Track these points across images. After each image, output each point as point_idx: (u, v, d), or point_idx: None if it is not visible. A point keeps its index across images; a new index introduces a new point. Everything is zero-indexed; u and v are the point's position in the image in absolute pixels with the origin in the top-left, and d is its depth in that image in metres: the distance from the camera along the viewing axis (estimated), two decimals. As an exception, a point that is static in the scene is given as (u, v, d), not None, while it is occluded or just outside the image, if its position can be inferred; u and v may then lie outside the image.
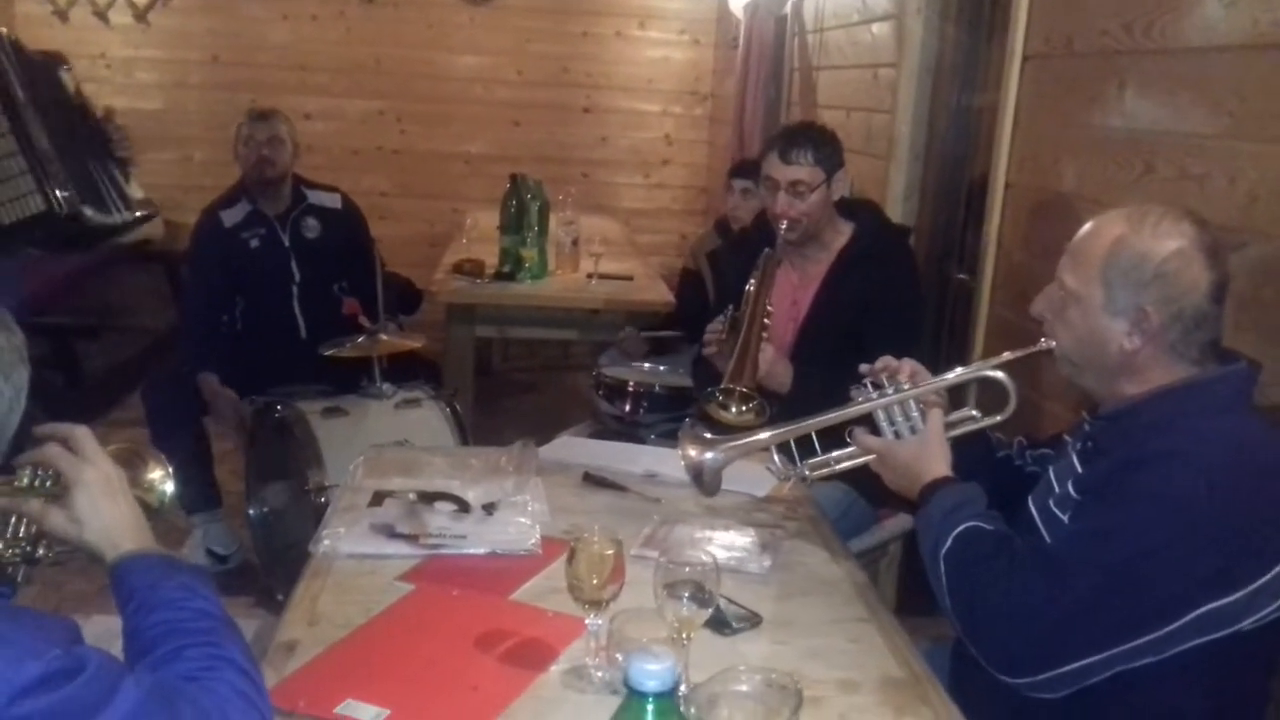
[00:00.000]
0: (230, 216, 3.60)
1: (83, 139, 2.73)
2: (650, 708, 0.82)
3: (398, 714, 1.34)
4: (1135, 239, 1.49)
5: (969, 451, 1.78)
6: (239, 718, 1.11)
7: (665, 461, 2.23)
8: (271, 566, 3.27)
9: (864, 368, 1.82)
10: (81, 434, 1.30)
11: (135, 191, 2.80)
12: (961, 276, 3.16)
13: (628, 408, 3.28)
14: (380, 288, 3.28)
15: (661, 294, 4.34)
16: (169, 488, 1.44)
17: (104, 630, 1.34)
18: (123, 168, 2.82)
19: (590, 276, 4.36)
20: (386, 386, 3.23)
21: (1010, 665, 1.45)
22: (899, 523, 2.75)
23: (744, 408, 2.22)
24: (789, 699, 1.06)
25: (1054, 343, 1.62)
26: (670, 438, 2.83)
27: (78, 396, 4.89)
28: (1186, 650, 1.41)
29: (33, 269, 5.00)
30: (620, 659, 1.27)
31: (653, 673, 0.82)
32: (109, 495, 1.27)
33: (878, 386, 1.79)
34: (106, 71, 6.07)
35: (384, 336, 3.22)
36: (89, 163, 2.70)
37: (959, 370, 1.80)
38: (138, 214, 2.79)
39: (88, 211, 2.56)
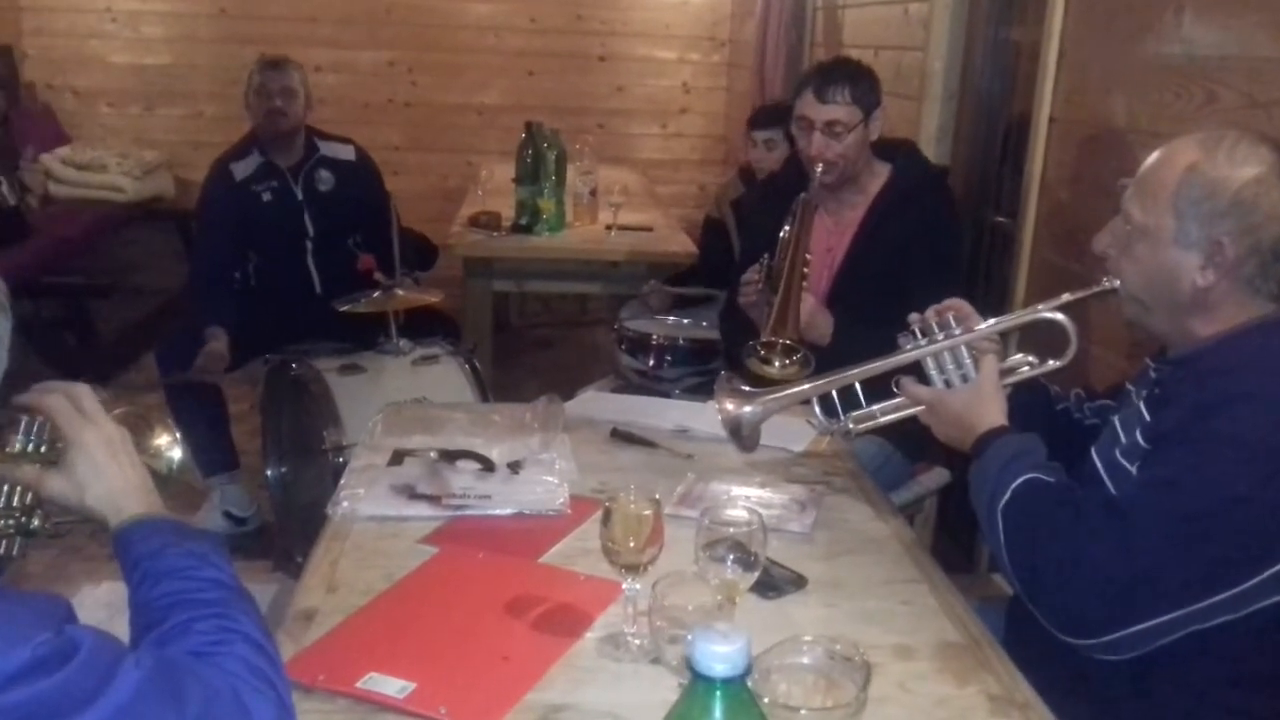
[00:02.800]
0: (241, 169, 3.49)
1: None
2: (719, 695, 0.72)
3: (424, 687, 1.25)
4: (1209, 166, 1.39)
5: (1026, 402, 1.68)
6: (252, 695, 1.01)
7: (696, 416, 2.14)
8: (290, 528, 3.21)
9: (913, 316, 1.71)
10: (81, 392, 1.21)
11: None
12: (1000, 220, 3.03)
13: (651, 362, 3.18)
14: (396, 242, 3.18)
15: (684, 245, 4.22)
16: (176, 454, 1.36)
17: (117, 597, 1.26)
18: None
19: (609, 228, 4.24)
20: (404, 343, 3.14)
21: (1076, 626, 1.36)
22: (935, 477, 2.68)
23: (788, 361, 2.11)
24: (855, 672, 0.97)
25: (1118, 282, 1.52)
26: (695, 392, 2.75)
27: (91, 357, 4.83)
28: (1264, 609, 1.32)
29: (45, 229, 4.94)
30: (662, 626, 1.18)
31: (722, 655, 0.71)
32: (112, 456, 1.18)
33: (925, 333, 1.68)
34: (113, 26, 5.96)
35: (400, 292, 3.13)
36: None
37: (1015, 313, 1.69)
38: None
39: None
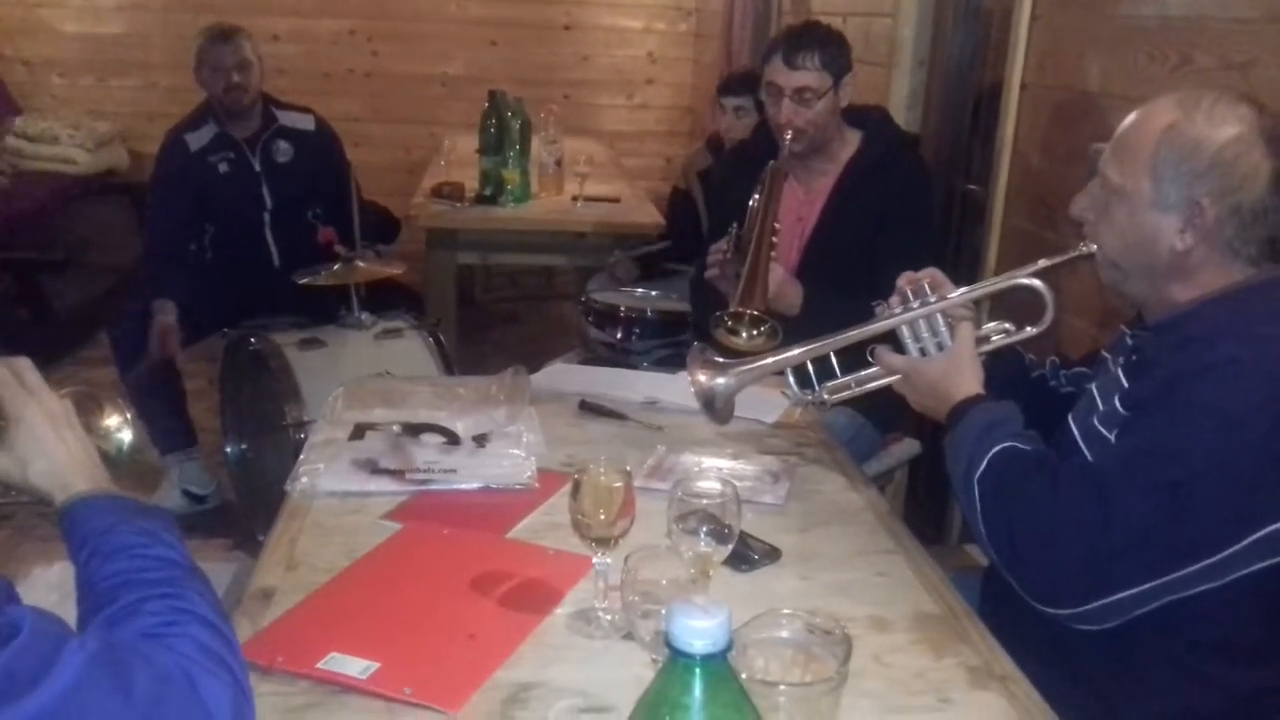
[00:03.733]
0: (196, 139, 3.40)
1: None
2: (699, 673, 0.68)
3: (388, 667, 1.21)
4: (1188, 125, 1.36)
5: (1002, 370, 1.66)
6: (205, 678, 0.96)
7: (666, 387, 2.10)
8: (251, 506, 3.15)
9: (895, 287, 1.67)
10: (22, 365, 1.15)
11: None
12: (971, 187, 3.00)
13: (619, 334, 3.14)
14: (357, 213, 3.11)
15: (651, 215, 4.17)
16: (127, 436, 1.30)
17: (68, 579, 1.20)
18: None
19: (576, 199, 4.19)
20: (366, 316, 3.08)
21: (1054, 595, 1.34)
22: (906, 448, 2.66)
23: (755, 332, 2.07)
24: (835, 646, 0.93)
25: (1095, 246, 1.49)
26: (664, 364, 2.72)
27: (45, 333, 4.72)
28: (1244, 577, 1.30)
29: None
30: (634, 601, 1.14)
31: (702, 630, 0.67)
32: (54, 431, 1.13)
33: (900, 301, 1.65)
34: (63, -7, 5.80)
35: (361, 264, 3.07)
36: None
37: (991, 280, 1.66)
38: None
39: None
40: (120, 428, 1.30)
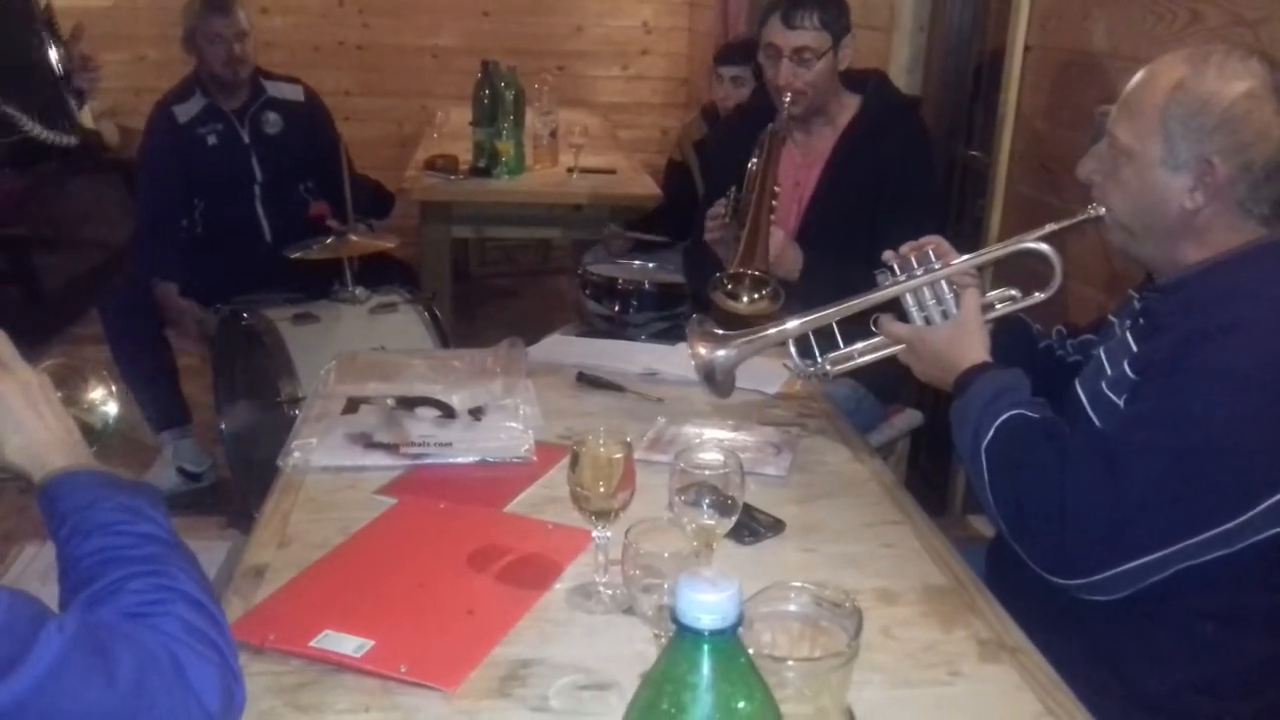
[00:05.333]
0: (184, 111, 3.35)
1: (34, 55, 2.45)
2: (707, 649, 0.64)
3: (383, 645, 1.17)
4: (1197, 82, 1.33)
5: (1008, 339, 1.62)
6: (191, 658, 0.93)
7: (665, 358, 2.07)
8: (247, 483, 3.11)
9: (887, 255, 1.63)
10: None
11: (86, 120, 2.53)
12: (973, 154, 2.96)
13: (616, 307, 3.11)
14: (348, 185, 3.06)
15: (647, 187, 4.11)
16: (112, 409, 1.27)
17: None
18: (79, 96, 2.54)
19: (571, 171, 4.13)
20: (360, 290, 3.04)
21: (1064, 565, 1.31)
22: (908, 419, 2.63)
23: (757, 295, 2.03)
24: (845, 619, 0.90)
25: (1103, 209, 1.45)
26: (662, 337, 2.68)
27: (37, 311, 4.68)
28: (1256, 544, 1.27)
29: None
30: (635, 575, 1.10)
31: (711, 605, 0.63)
32: (30, 406, 1.10)
33: (904, 269, 1.61)
34: (48, -33, 5.69)
35: (354, 237, 3.02)
36: (36, 80, 2.44)
37: (997, 245, 1.62)
38: (73, 140, 2.51)
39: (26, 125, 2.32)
40: (105, 400, 1.27)
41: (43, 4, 2.48)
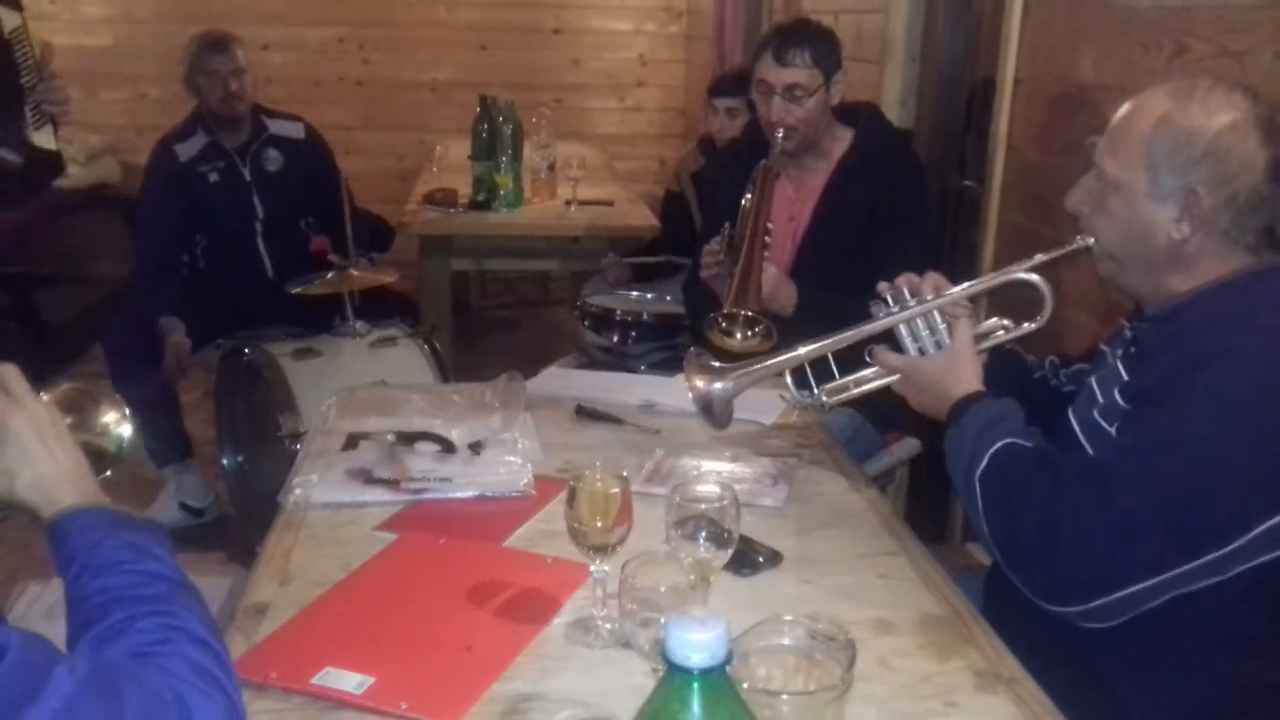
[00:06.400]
0: (185, 150, 3.38)
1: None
2: (697, 687, 0.65)
3: (383, 682, 1.19)
4: (1181, 115, 1.35)
5: (1002, 370, 1.64)
6: (196, 697, 0.94)
7: (663, 390, 2.08)
8: (249, 518, 3.13)
9: (882, 286, 1.65)
10: (9, 374, 1.12)
11: (46, 141, 2.53)
12: (966, 183, 2.98)
13: (615, 337, 3.12)
14: (349, 221, 3.09)
15: (645, 218, 4.15)
16: (126, 430, 1.28)
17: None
18: (50, 120, 2.55)
19: (569, 203, 4.16)
20: (360, 324, 3.06)
21: (1058, 593, 1.32)
22: (906, 447, 2.64)
23: (750, 332, 2.05)
24: (839, 652, 0.91)
25: (1092, 239, 1.47)
26: (661, 367, 2.69)
27: (38, 347, 4.69)
28: (1250, 569, 1.28)
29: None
30: (632, 609, 1.12)
31: (700, 644, 0.65)
32: (41, 441, 1.10)
33: (896, 300, 1.63)
34: (51, 7, 5.77)
35: (354, 272, 3.04)
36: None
37: (988, 276, 1.64)
38: (17, 159, 2.48)
39: None
40: (119, 423, 1.28)
41: (9, 26, 2.50)
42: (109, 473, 1.22)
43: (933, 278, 1.64)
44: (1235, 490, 1.26)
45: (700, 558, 1.23)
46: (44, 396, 1.17)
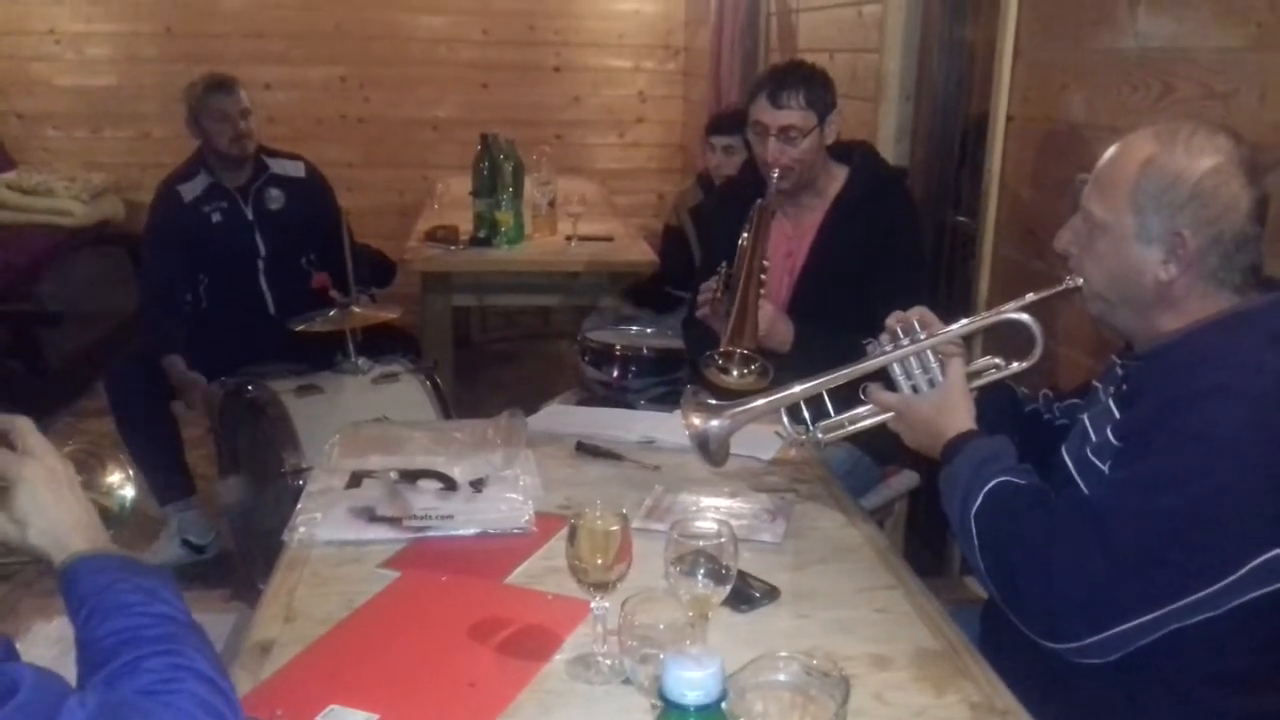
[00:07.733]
0: (189, 190, 3.42)
1: None
2: (693, 725, 0.68)
3: (387, 718, 1.20)
4: (1166, 158, 1.38)
5: (994, 405, 1.67)
6: (204, 735, 0.96)
7: (662, 426, 2.10)
8: (251, 555, 3.13)
9: (889, 321, 1.68)
10: (22, 425, 1.15)
11: None
12: (960, 219, 3.02)
13: (615, 373, 3.14)
14: (350, 258, 3.13)
15: (644, 253, 4.18)
16: (130, 492, 1.31)
17: (68, 634, 1.20)
18: None
19: (569, 239, 4.20)
20: (362, 361, 3.08)
21: (1054, 630, 1.34)
22: (905, 480, 2.65)
23: (746, 370, 2.08)
24: (834, 688, 0.93)
25: (1081, 280, 1.50)
26: (661, 402, 2.72)
27: (41, 385, 4.71)
28: (1245, 604, 1.30)
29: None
30: (632, 645, 1.14)
31: (695, 681, 0.67)
32: (54, 491, 1.13)
33: (890, 339, 1.66)
34: (56, 48, 5.83)
35: (356, 309, 3.07)
36: None
37: (979, 316, 1.67)
38: None
39: None
40: (123, 484, 1.30)
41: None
42: (110, 532, 1.24)
43: (918, 311, 1.67)
44: (1227, 526, 1.27)
45: (698, 594, 1.25)
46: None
